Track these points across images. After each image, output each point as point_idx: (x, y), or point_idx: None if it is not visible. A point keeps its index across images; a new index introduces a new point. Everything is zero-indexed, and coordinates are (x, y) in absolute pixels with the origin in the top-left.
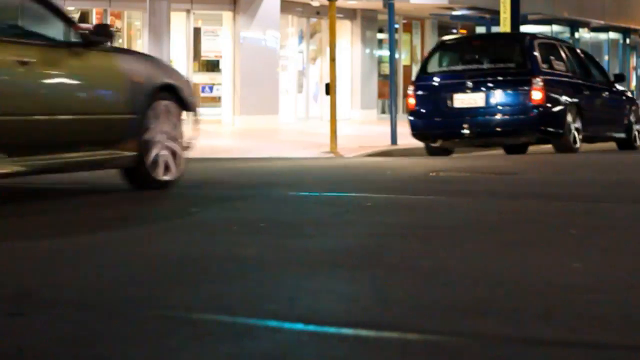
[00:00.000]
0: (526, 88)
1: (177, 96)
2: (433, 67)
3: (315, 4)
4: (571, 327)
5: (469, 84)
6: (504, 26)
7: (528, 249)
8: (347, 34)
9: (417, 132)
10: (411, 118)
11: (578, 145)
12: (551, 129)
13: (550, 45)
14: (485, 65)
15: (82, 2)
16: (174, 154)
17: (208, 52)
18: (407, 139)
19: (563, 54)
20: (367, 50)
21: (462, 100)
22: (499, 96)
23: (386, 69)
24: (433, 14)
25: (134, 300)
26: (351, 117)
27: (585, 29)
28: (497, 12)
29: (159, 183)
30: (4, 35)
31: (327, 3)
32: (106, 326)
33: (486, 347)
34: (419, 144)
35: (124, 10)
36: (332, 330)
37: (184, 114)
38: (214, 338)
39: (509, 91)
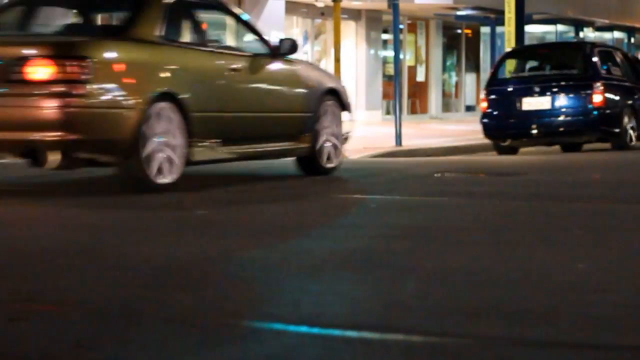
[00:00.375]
0: (588, 92)
1: (338, 98)
2: (502, 73)
3: (320, 4)
4: (576, 328)
5: (536, 88)
6: (509, 26)
7: (532, 249)
8: (352, 34)
9: (489, 133)
10: (484, 120)
11: (633, 142)
12: (610, 129)
13: (607, 52)
14: (550, 72)
15: None
16: (335, 146)
17: None
18: (411, 140)
19: (618, 60)
20: (372, 51)
21: (530, 103)
22: (563, 99)
23: (391, 70)
24: (437, 14)
25: (138, 303)
26: (356, 117)
27: (590, 28)
28: (502, 12)
29: (325, 170)
30: (220, 48)
31: (331, 4)
32: (110, 329)
33: (490, 349)
34: (424, 145)
35: None
36: (336, 332)
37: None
38: (218, 341)
39: (572, 95)
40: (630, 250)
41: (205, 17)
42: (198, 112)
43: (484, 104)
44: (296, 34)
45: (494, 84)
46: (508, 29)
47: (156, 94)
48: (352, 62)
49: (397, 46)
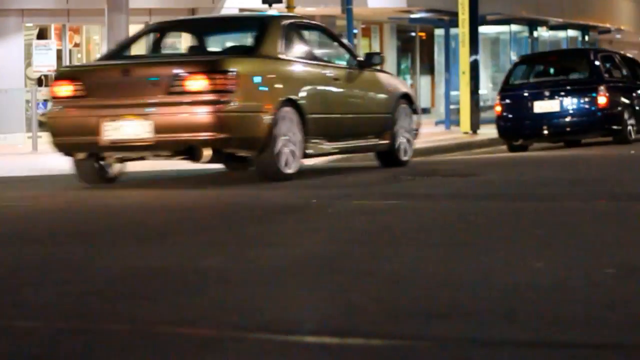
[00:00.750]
0: (593, 95)
1: (409, 101)
2: (514, 79)
3: (274, 11)
4: (535, 328)
5: (546, 92)
6: (463, 27)
7: (489, 250)
8: None
9: (503, 133)
10: (499, 122)
11: (632, 137)
12: (613, 127)
13: (608, 56)
14: (559, 77)
15: (40, 18)
16: (408, 141)
17: None
18: None
19: (617, 62)
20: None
21: (541, 106)
22: (570, 102)
23: None
24: (391, 17)
25: (97, 314)
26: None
27: (544, 27)
28: (456, 14)
29: (401, 162)
30: (323, 61)
31: (285, 10)
32: (70, 343)
33: (450, 350)
34: None
35: (82, 24)
36: (295, 338)
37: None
38: (177, 350)
39: (579, 98)
40: (586, 248)
41: (311, 36)
42: (311, 114)
43: (499, 108)
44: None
45: (507, 89)
46: (462, 31)
47: (282, 100)
48: None
49: None
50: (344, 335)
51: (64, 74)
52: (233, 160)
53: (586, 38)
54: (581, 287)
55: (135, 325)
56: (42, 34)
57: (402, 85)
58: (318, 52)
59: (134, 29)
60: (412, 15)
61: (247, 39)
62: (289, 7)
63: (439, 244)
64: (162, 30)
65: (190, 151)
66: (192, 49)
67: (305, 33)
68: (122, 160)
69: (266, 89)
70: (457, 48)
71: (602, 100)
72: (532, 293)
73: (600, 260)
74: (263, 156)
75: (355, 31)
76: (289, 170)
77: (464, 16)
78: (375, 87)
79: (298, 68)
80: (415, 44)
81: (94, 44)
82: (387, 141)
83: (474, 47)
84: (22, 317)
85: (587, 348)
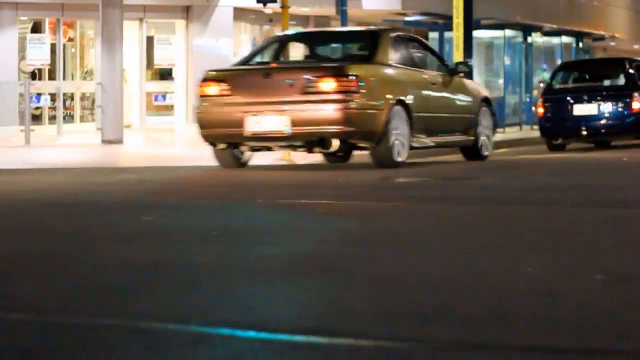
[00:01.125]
0: (627, 100)
1: (489, 104)
2: (556, 84)
3: (268, 11)
4: (526, 332)
5: (585, 97)
6: (457, 31)
7: (482, 253)
8: None
9: (545, 133)
10: (542, 123)
11: None
12: None
13: None
14: (596, 83)
15: (35, 12)
16: (488, 139)
17: (161, 60)
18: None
19: None
20: None
21: (581, 109)
22: (607, 106)
23: None
24: (386, 20)
25: (88, 309)
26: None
27: (538, 34)
28: (451, 18)
29: (483, 157)
30: (423, 68)
31: (280, 11)
32: (60, 337)
33: (440, 353)
34: None
35: (76, 20)
36: (284, 337)
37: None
38: (167, 347)
39: (615, 103)
40: (579, 253)
41: (411, 47)
42: (416, 113)
43: (541, 110)
44: (245, 41)
45: (550, 92)
46: (456, 35)
47: (395, 100)
48: None
49: None
50: (333, 335)
51: (212, 77)
52: (358, 150)
53: (580, 45)
54: (573, 292)
55: (126, 321)
56: (37, 28)
57: (483, 90)
58: (417, 60)
59: (128, 25)
60: (407, 18)
61: (355, 49)
62: (284, 7)
63: (432, 247)
64: (286, 41)
65: (321, 142)
66: (311, 57)
67: (407, 44)
68: (253, 150)
69: (382, 90)
70: (452, 52)
71: (636, 105)
72: (524, 298)
73: (592, 266)
74: (380, 147)
75: None
76: (400, 159)
77: (458, 20)
78: (463, 92)
79: (405, 73)
80: None
81: (88, 39)
82: (472, 138)
83: (468, 52)
84: (10, 311)
85: (579, 353)
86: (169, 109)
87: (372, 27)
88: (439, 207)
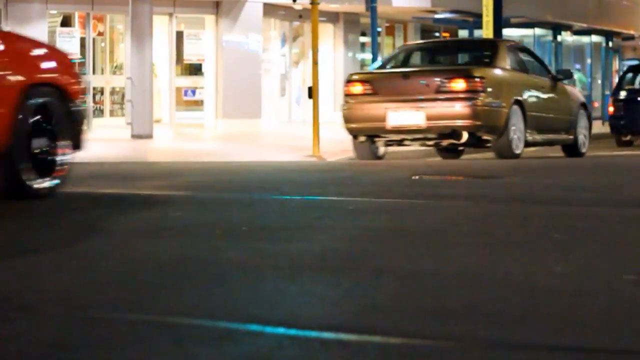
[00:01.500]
0: None
1: (585, 108)
2: (624, 84)
3: (298, 7)
4: (554, 331)
5: None
6: (487, 29)
7: (509, 252)
8: (330, 37)
9: (615, 130)
10: (612, 120)
11: None
12: None
13: None
14: None
15: (64, 6)
16: (585, 137)
17: (190, 55)
18: None
19: None
20: (350, 54)
21: None
22: None
23: None
24: (415, 17)
25: (116, 304)
26: (334, 120)
27: (568, 32)
28: (480, 15)
29: (581, 154)
30: (534, 73)
31: (309, 6)
32: (88, 331)
33: (469, 351)
34: (402, 148)
35: (106, 14)
36: (313, 334)
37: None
38: (195, 342)
39: None
40: (607, 253)
41: (522, 54)
42: (530, 112)
43: (611, 109)
44: (274, 37)
45: (619, 92)
46: (486, 33)
47: (513, 99)
48: (330, 64)
49: (375, 49)
50: (362, 332)
51: (356, 79)
52: (481, 142)
53: (610, 44)
54: (600, 292)
55: (153, 315)
56: (66, 22)
57: (580, 95)
58: (528, 66)
59: (157, 20)
60: (437, 16)
61: (475, 56)
62: (313, 3)
63: (460, 244)
64: (414, 50)
65: (452, 134)
66: (437, 63)
67: (519, 52)
68: (387, 144)
69: (503, 91)
70: None
71: None
72: (551, 297)
73: (620, 266)
74: (501, 140)
75: (379, 29)
76: (518, 151)
77: (488, 18)
78: (565, 96)
79: (520, 77)
80: None
81: (117, 34)
82: (572, 137)
83: None
84: (39, 305)
85: (606, 353)
86: (199, 104)
87: (490, 38)
88: (467, 205)
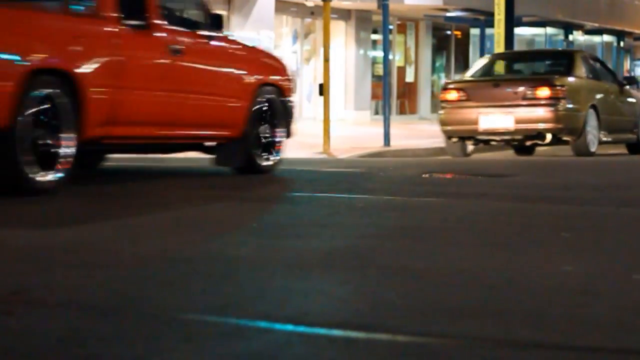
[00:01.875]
0: None
1: None
2: None
3: (310, 4)
4: (562, 330)
5: None
6: (499, 28)
7: (518, 251)
8: (341, 34)
9: None
10: None
11: None
12: None
13: None
14: None
15: None
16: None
17: None
18: (400, 141)
19: None
20: (361, 51)
21: None
22: None
23: (380, 70)
24: (427, 15)
25: (124, 299)
26: (344, 117)
27: (580, 32)
28: (492, 14)
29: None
30: (603, 80)
31: (321, 3)
32: (97, 325)
33: (477, 350)
34: (412, 146)
35: None
36: (322, 331)
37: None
38: (204, 338)
39: None
40: (616, 252)
41: (593, 63)
42: (602, 114)
43: None
44: (285, 33)
45: None
46: (497, 31)
47: (589, 104)
48: (342, 62)
49: (387, 46)
50: (371, 330)
51: (452, 87)
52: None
53: (621, 44)
54: (611, 291)
55: (163, 311)
56: None
57: None
58: (599, 73)
59: None
60: (448, 14)
61: (554, 65)
62: (325, 0)
63: (468, 243)
64: (499, 58)
65: (537, 136)
66: (520, 71)
67: (591, 61)
68: (476, 143)
69: (580, 96)
70: (493, 48)
71: None
72: (559, 296)
73: (630, 265)
74: (579, 140)
75: (390, 27)
76: (593, 149)
77: (499, 16)
78: (629, 99)
79: (593, 84)
80: (451, 43)
81: None
82: (634, 136)
83: (509, 48)
84: (47, 300)
85: (615, 353)
86: None
87: (566, 49)
88: (477, 203)
